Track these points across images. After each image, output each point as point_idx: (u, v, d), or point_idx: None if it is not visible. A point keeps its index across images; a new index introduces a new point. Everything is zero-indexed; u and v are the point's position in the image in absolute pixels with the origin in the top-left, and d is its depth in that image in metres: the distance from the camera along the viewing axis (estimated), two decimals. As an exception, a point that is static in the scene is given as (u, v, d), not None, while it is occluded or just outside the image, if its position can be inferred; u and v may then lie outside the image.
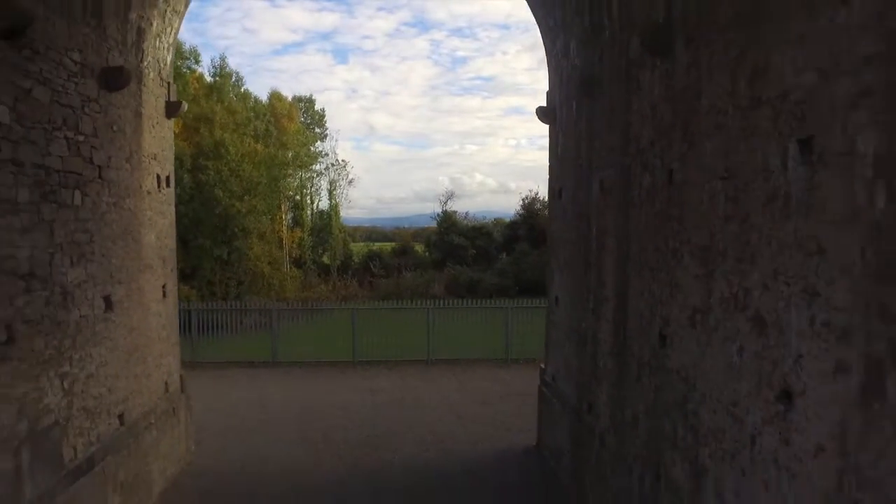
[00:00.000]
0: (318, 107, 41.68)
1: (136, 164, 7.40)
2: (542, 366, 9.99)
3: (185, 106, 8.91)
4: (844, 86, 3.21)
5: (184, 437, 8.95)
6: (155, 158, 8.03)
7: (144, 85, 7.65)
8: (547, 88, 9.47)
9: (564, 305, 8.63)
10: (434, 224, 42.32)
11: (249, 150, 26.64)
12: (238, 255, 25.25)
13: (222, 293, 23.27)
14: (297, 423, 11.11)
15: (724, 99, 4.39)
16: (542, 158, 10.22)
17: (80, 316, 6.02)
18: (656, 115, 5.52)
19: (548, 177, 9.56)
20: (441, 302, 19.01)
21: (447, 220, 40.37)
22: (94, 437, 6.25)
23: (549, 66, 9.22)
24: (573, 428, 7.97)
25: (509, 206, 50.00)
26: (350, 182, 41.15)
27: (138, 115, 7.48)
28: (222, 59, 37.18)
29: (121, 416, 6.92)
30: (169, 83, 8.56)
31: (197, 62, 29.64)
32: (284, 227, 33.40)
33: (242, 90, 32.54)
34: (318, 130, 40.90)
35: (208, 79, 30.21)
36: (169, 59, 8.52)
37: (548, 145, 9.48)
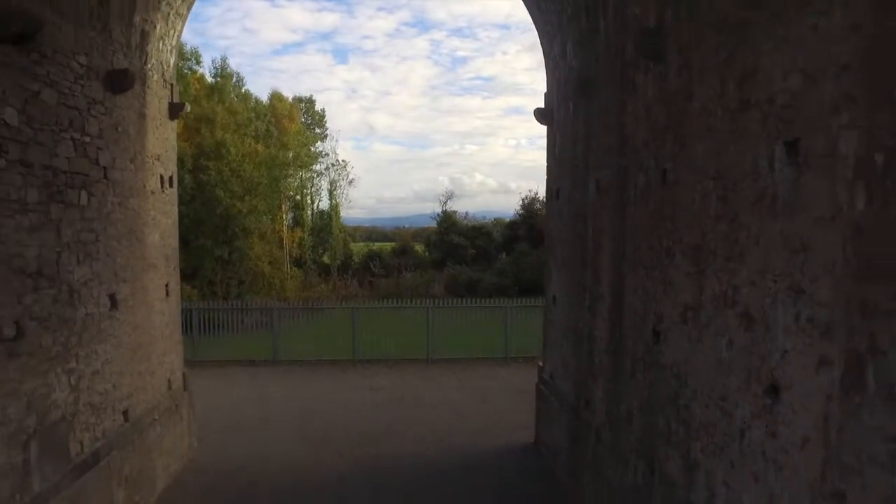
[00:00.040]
0: (318, 107, 41.86)
1: (140, 165, 7.52)
2: (540, 364, 10.12)
3: (188, 107, 9.04)
4: (827, 90, 3.33)
5: (186, 433, 9.08)
6: (158, 159, 8.16)
7: (148, 87, 7.78)
8: (545, 89, 9.59)
9: (562, 304, 8.76)
10: (434, 224, 42.45)
11: (250, 150, 26.77)
12: (239, 255, 25.38)
13: (223, 293, 23.41)
14: (298, 421, 11.24)
15: (715, 101, 4.51)
16: (541, 158, 10.44)
17: (87, 314, 6.14)
18: (650, 116, 5.64)
19: (545, 177, 9.68)
20: (441, 301, 19.14)
21: (447, 220, 40.49)
22: (99, 433, 6.38)
23: (546, 67, 9.35)
24: (570, 424, 8.09)
25: (509, 206, 50.14)
26: (350, 182, 41.31)
27: (142, 116, 7.60)
28: (223, 59, 37.43)
29: (125, 413, 7.05)
30: (172, 85, 8.69)
31: (198, 63, 29.80)
32: (285, 227, 33.53)
33: (243, 91, 32.70)
34: (318, 131, 41.04)
35: (209, 79, 30.34)
36: (172, 61, 8.65)
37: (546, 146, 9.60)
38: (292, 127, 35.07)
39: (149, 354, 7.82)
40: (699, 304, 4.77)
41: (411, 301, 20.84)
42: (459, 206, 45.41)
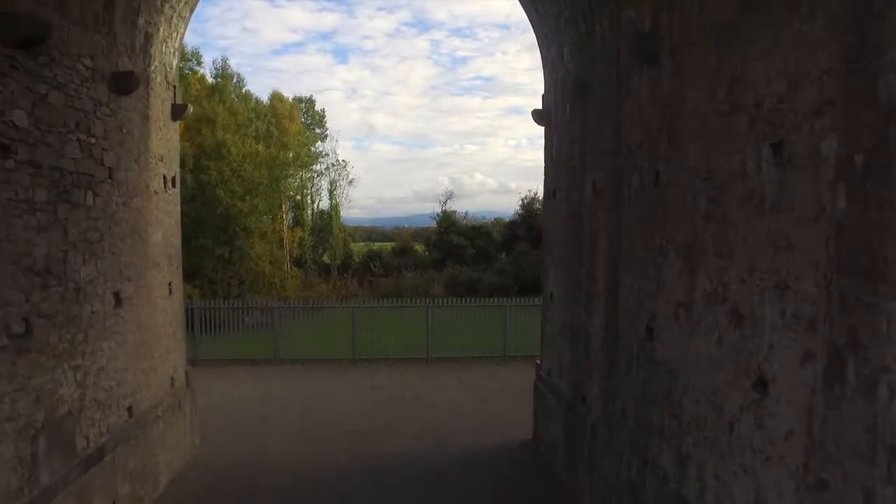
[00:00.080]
0: (318, 107, 41.97)
1: (143, 166, 7.65)
2: (538, 362, 10.24)
3: (191, 109, 9.16)
4: (810, 94, 3.46)
5: (189, 430, 9.20)
6: (161, 160, 8.28)
7: (152, 89, 7.90)
8: (543, 91, 9.71)
9: (559, 302, 8.88)
10: (434, 224, 42.55)
11: (251, 150, 26.89)
12: (239, 255, 25.51)
13: (224, 292, 23.52)
14: (299, 419, 11.35)
15: (706, 105, 4.64)
16: (541, 158, 10.54)
17: (92, 311, 6.27)
18: (644, 118, 5.77)
19: (543, 177, 9.81)
20: (440, 301, 19.26)
21: (447, 220, 40.60)
22: (104, 428, 6.50)
23: (544, 69, 9.47)
24: (567, 421, 8.22)
25: (509, 206, 50.20)
26: (350, 182, 41.41)
27: (146, 117, 7.73)
28: (224, 60, 37.51)
29: (129, 409, 7.17)
30: (175, 86, 8.82)
31: (199, 63, 29.91)
32: (285, 227, 33.64)
33: (244, 91, 32.81)
34: (318, 131, 41.15)
35: (210, 80, 30.46)
36: (175, 63, 8.77)
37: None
38: (293, 127, 35.19)
39: (152, 352, 7.94)
40: (691, 302, 4.89)
41: (411, 300, 20.95)
42: (459, 206, 45.51)
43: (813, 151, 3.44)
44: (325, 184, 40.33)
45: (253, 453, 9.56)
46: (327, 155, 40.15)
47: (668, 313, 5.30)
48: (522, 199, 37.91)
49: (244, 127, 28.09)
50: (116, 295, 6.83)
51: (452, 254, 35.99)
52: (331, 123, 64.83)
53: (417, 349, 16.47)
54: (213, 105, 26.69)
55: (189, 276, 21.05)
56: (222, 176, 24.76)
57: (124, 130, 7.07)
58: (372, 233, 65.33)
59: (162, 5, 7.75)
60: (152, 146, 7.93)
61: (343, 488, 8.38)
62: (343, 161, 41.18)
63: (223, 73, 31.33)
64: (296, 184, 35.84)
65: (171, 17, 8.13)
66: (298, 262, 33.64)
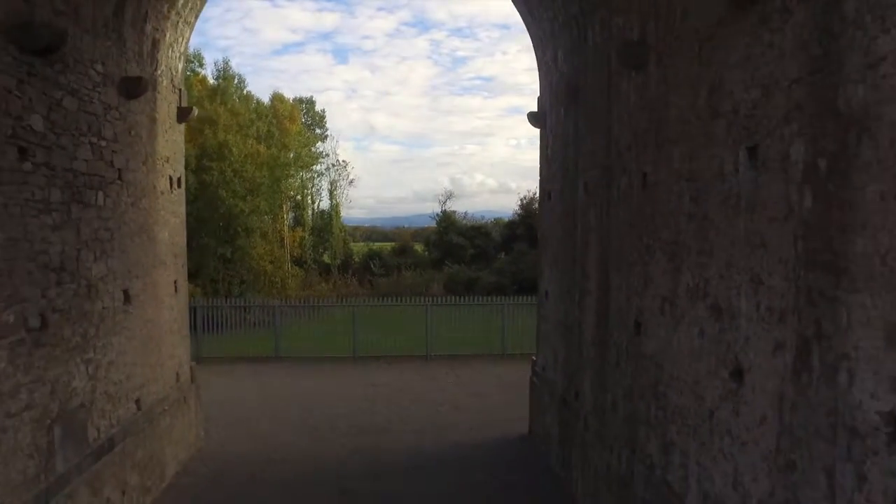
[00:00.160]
0: (318, 107, 42.24)
1: (151, 167, 7.90)
2: (534, 358, 10.50)
3: (196, 111, 9.42)
4: (780, 102, 3.71)
5: (194, 424, 9.46)
6: (168, 161, 8.54)
7: (158, 92, 8.15)
8: (538, 93, 9.97)
9: (553, 299, 9.14)
10: (433, 224, 42.81)
11: (252, 151, 27.13)
12: (241, 254, 25.75)
13: (225, 291, 23.76)
14: (300, 415, 11.60)
15: (688, 110, 4.89)
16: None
17: (103, 307, 6.52)
18: (633, 122, 6.02)
19: (538, 178, 10.06)
20: (439, 299, 19.51)
21: (446, 220, 40.85)
22: (114, 420, 6.75)
23: (539, 72, 9.73)
24: (561, 414, 8.47)
25: (509, 206, 50.51)
26: (350, 182, 41.67)
27: (153, 120, 7.98)
28: (225, 61, 37.80)
29: (137, 402, 7.42)
30: (180, 90, 9.07)
31: (201, 65, 30.15)
32: (286, 227, 33.88)
33: (245, 92, 33.04)
34: (318, 131, 41.40)
35: (212, 81, 30.71)
36: (180, 67, 9.03)
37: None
38: (293, 128, 35.42)
39: (159, 347, 8.19)
40: (675, 297, 5.14)
41: (410, 299, 21.20)
42: (459, 207, 45.80)
43: (783, 155, 3.69)
44: (325, 184, 40.61)
45: (255, 447, 9.81)
46: (328, 155, 40.43)
47: (654, 308, 5.55)
48: (521, 199, 38.18)
49: (245, 128, 28.33)
50: (126, 292, 7.08)
51: (452, 253, 36.23)
52: (331, 123, 65.21)
53: (416, 347, 16.74)
54: (215, 106, 26.92)
55: (191, 275, 21.23)
56: (224, 176, 25.00)
57: (133, 133, 7.32)
58: (372, 233, 65.57)
59: (168, 11, 8.00)
60: (159, 148, 8.19)
61: (344, 480, 8.61)
62: (343, 161, 41.47)
63: (225, 74, 31.58)
64: (296, 184, 36.07)
65: (177, 22, 8.38)
66: (299, 262, 33.86)
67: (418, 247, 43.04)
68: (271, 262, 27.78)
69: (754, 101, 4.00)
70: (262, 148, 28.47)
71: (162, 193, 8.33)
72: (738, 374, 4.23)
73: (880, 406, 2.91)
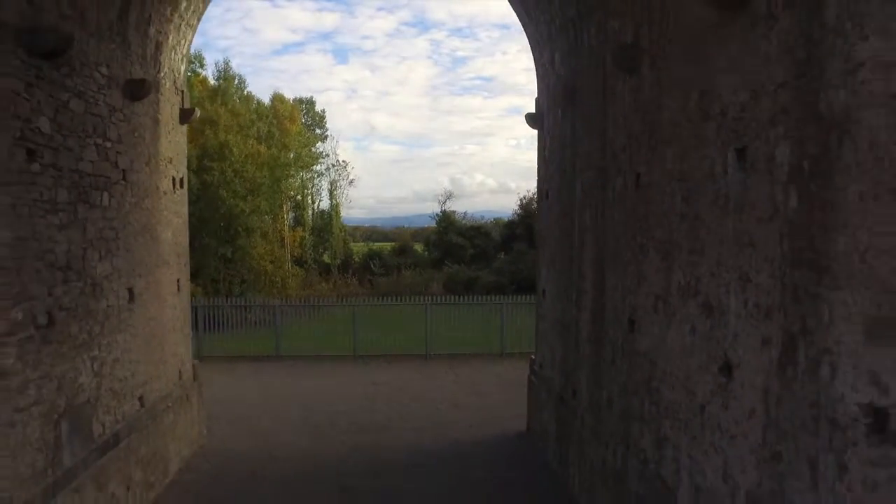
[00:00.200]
0: (318, 108, 42.41)
1: (154, 168, 8.02)
2: (532, 356, 10.62)
3: (198, 113, 9.54)
4: (767, 105, 3.84)
5: (196, 421, 9.58)
6: (170, 162, 8.66)
7: (161, 94, 8.28)
8: (536, 95, 10.09)
9: (551, 298, 9.26)
10: (433, 224, 42.95)
11: (253, 151, 27.26)
12: (241, 254, 25.88)
13: (226, 290, 23.89)
14: (301, 413, 11.73)
15: (680, 113, 5.01)
16: (538, 159, 11.12)
17: (108, 305, 6.65)
18: (627, 124, 6.15)
19: (535, 179, 10.19)
20: (439, 298, 19.63)
21: (446, 220, 40.99)
22: (119, 416, 6.88)
23: (537, 74, 9.85)
24: (558, 411, 8.60)
25: (509, 206, 50.67)
26: (350, 182, 41.83)
27: (156, 122, 8.11)
28: (226, 62, 37.91)
29: (141, 399, 7.55)
30: (182, 91, 9.20)
31: (201, 66, 30.27)
32: (286, 227, 34.02)
33: (245, 93, 33.19)
34: (318, 131, 41.56)
35: (212, 82, 30.85)
36: (183, 69, 9.15)
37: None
38: (293, 128, 35.57)
39: (162, 345, 8.32)
40: (668, 295, 5.27)
41: (410, 299, 21.33)
42: (460, 207, 45.95)
43: (769, 157, 3.81)
44: (325, 184, 40.77)
45: (257, 445, 9.94)
46: (328, 155, 40.59)
47: (647, 306, 5.67)
48: (521, 199, 38.29)
49: (246, 128, 28.47)
50: (130, 290, 7.20)
51: (451, 253, 36.36)
52: (331, 123, 65.35)
53: (416, 346, 16.87)
54: (216, 107, 27.05)
55: (192, 274, 21.30)
56: (225, 176, 25.14)
57: (136, 134, 7.45)
58: (372, 233, 65.72)
59: (171, 14, 8.13)
60: (162, 149, 8.31)
61: (344, 478, 8.73)
62: (343, 161, 41.65)
63: (225, 74, 31.72)
64: (297, 184, 36.21)
65: (180, 25, 8.51)
66: (299, 262, 34.00)
67: (418, 247, 43.17)
68: (272, 262, 27.91)
69: (742, 104, 4.12)
70: (262, 148, 28.61)
71: (165, 194, 8.45)
72: (727, 369, 4.35)
73: (859, 398, 3.03)
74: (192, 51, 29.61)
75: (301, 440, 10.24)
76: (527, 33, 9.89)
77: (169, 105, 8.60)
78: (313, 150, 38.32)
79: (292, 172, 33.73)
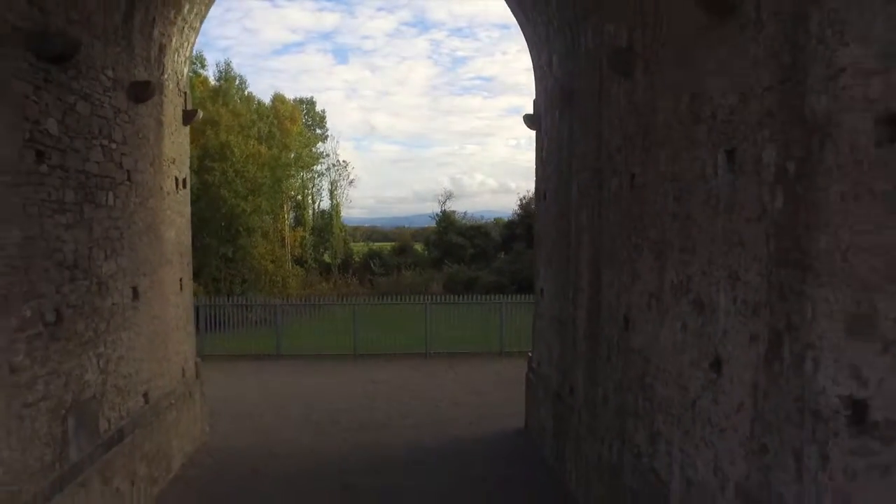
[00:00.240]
0: (318, 108, 42.55)
1: (157, 168, 8.15)
2: (530, 354, 10.75)
3: (201, 114, 9.67)
4: (755, 108, 3.96)
5: (199, 418, 9.71)
6: (174, 162, 8.79)
7: (165, 96, 8.40)
8: (534, 96, 10.21)
9: (548, 297, 9.38)
10: (433, 224, 43.08)
11: (254, 151, 27.41)
12: (242, 254, 26.02)
13: (227, 290, 24.03)
14: (302, 411, 11.85)
15: (672, 115, 5.13)
16: (538, 160, 11.28)
17: (113, 303, 6.77)
18: (622, 126, 6.27)
19: (534, 179, 10.31)
20: (438, 298, 19.76)
21: (446, 220, 41.12)
22: (124, 412, 7.01)
23: (535, 76, 9.97)
24: (555, 408, 8.72)
25: (509, 206, 50.90)
26: (350, 182, 41.98)
27: (160, 123, 8.23)
28: (227, 63, 38.04)
29: (145, 396, 7.68)
30: (185, 93, 9.32)
31: (202, 66, 30.40)
32: (287, 227, 34.17)
33: (246, 93, 33.34)
34: (319, 132, 41.70)
35: (213, 82, 30.99)
36: (185, 71, 9.28)
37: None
38: (294, 128, 35.72)
39: (165, 343, 8.45)
40: (661, 293, 5.39)
41: (410, 298, 21.45)
42: (460, 206, 46.08)
43: (757, 159, 3.94)
44: (325, 184, 40.91)
45: (259, 442, 10.06)
46: (328, 155, 40.73)
47: (641, 304, 5.80)
48: (521, 199, 38.40)
49: (247, 128, 28.62)
50: (134, 289, 7.33)
51: (451, 253, 36.49)
52: (331, 123, 65.45)
53: (416, 345, 16.99)
54: (217, 107, 27.21)
55: (194, 274, 21.48)
56: (226, 177, 25.29)
57: (141, 136, 7.57)
58: (372, 233, 65.85)
59: (175, 17, 8.25)
60: (165, 150, 8.44)
61: (345, 475, 8.84)
62: (343, 161, 41.79)
63: (226, 75, 31.86)
64: (297, 184, 36.36)
65: (183, 28, 8.64)
66: (300, 262, 34.13)
67: (418, 246, 43.30)
68: (272, 262, 28.04)
69: (731, 106, 4.25)
70: (263, 148, 28.76)
71: (168, 194, 8.58)
72: (717, 365, 4.47)
73: (840, 391, 3.16)
74: (194, 52, 29.75)
75: (302, 437, 10.36)
76: (525, 35, 10.02)
77: (172, 106, 8.72)
78: (314, 150, 38.46)
79: (293, 172, 33.88)
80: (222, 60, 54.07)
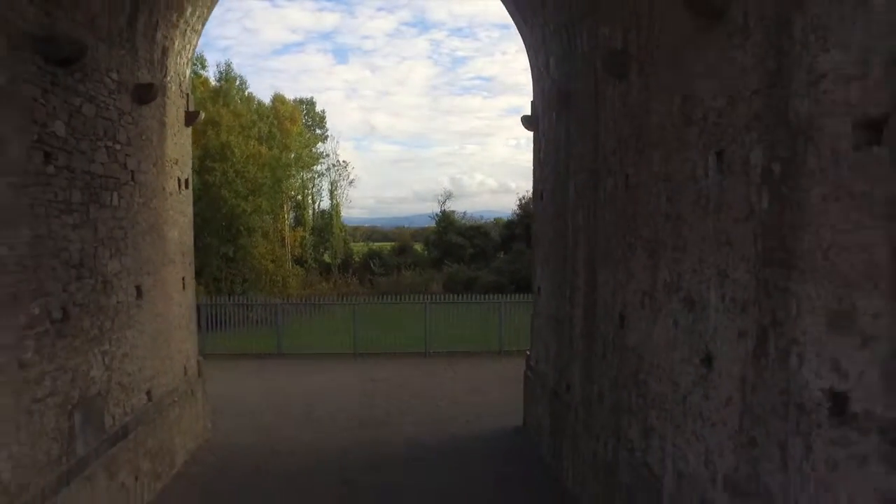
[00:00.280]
0: (318, 108, 42.69)
1: (160, 169, 8.28)
2: (528, 353, 10.87)
3: (203, 115, 9.80)
4: (742, 111, 4.09)
5: (201, 416, 9.84)
6: (176, 163, 8.92)
7: (167, 97, 8.53)
8: (532, 98, 10.33)
9: (546, 296, 9.51)
10: (433, 224, 43.20)
11: (254, 151, 27.53)
12: (243, 254, 26.14)
13: (228, 290, 24.15)
14: (303, 409, 11.97)
15: (665, 117, 5.26)
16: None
17: (117, 302, 6.90)
18: (617, 128, 6.40)
19: (532, 179, 10.43)
20: (438, 297, 19.88)
21: (446, 220, 41.23)
22: (128, 409, 7.13)
23: (532, 77, 10.10)
24: (552, 406, 8.85)
25: (509, 206, 51.03)
26: (350, 182, 42.10)
27: (162, 124, 8.36)
28: (227, 64, 38.16)
29: (149, 393, 7.80)
30: (188, 94, 9.45)
31: (203, 67, 30.52)
32: (287, 227, 34.29)
33: (246, 93, 33.45)
34: (319, 132, 41.84)
35: (214, 83, 31.11)
36: (188, 73, 9.41)
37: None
38: (294, 128, 35.83)
39: (168, 341, 8.57)
40: (654, 291, 5.52)
41: (410, 297, 21.57)
42: (460, 206, 46.14)
43: (745, 160, 4.06)
44: (325, 184, 41.03)
45: (260, 439, 10.19)
46: (328, 156, 40.85)
47: (635, 302, 5.92)
48: (520, 200, 38.49)
49: (247, 129, 28.73)
50: (138, 288, 7.46)
51: (451, 253, 36.60)
52: (331, 124, 65.58)
53: (416, 344, 17.12)
54: (218, 107, 27.32)
55: (195, 273, 21.67)
56: (227, 177, 25.41)
57: (144, 137, 7.70)
58: (372, 232, 65.97)
59: (177, 20, 8.38)
60: (168, 151, 8.57)
61: (345, 472, 8.95)
62: (343, 161, 41.89)
63: (227, 76, 31.98)
64: (297, 184, 36.49)
65: (185, 30, 8.76)
66: (300, 261, 34.25)
67: (418, 246, 43.42)
68: (273, 262, 28.16)
69: (720, 109, 4.37)
70: (263, 149, 28.88)
71: (171, 194, 8.71)
72: (707, 360, 4.60)
73: (822, 384, 3.28)
74: (195, 53, 29.84)
75: (303, 435, 10.48)
76: (522, 37, 10.14)
77: (175, 108, 8.85)
78: (314, 150, 38.59)
79: (293, 173, 34.00)
80: (223, 61, 54.23)
